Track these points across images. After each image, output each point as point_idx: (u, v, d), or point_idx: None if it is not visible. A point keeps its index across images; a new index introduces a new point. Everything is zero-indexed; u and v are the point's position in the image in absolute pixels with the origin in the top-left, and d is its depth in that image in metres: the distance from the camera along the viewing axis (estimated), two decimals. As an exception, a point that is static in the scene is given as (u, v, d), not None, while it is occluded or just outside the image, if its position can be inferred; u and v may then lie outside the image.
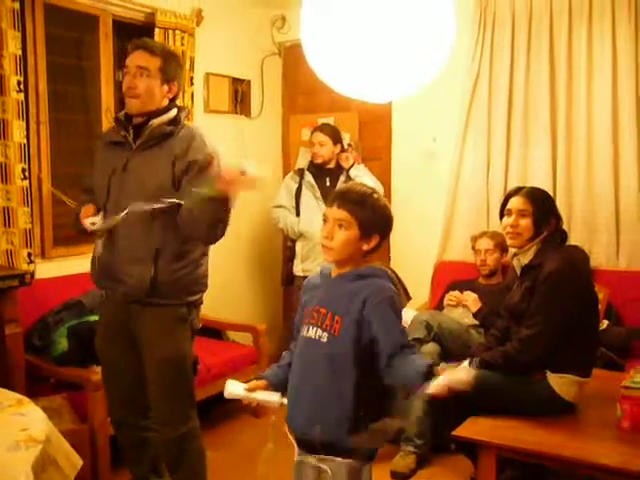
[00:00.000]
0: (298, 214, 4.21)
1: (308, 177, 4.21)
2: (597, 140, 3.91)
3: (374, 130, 4.71)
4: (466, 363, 2.84)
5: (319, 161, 4.19)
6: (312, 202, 4.14)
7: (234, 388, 2.01)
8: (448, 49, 2.41)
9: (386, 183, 4.53)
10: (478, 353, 2.87)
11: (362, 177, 4.12)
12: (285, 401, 1.98)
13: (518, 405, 2.63)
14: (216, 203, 2.30)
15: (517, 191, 2.83)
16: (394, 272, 2.02)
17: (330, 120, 4.59)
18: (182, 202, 2.41)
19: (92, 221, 2.50)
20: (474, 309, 3.49)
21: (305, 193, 4.18)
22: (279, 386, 2.03)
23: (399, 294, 1.96)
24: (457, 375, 1.85)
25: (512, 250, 2.90)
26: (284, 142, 5.14)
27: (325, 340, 1.92)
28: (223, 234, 2.47)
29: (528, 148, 4.10)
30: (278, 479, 2.11)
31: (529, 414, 2.60)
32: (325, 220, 1.97)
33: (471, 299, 3.54)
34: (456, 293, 3.68)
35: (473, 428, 2.52)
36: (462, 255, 4.23)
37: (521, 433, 2.49)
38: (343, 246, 1.93)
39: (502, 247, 3.73)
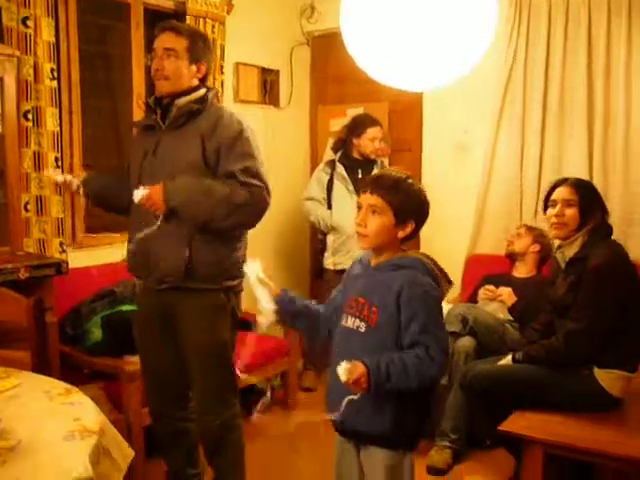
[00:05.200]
0: (329, 207, 4.13)
1: (340, 169, 4.11)
2: (635, 131, 3.82)
3: (404, 121, 4.64)
4: (509, 357, 2.79)
5: (382, 157, 4.15)
6: (344, 194, 4.04)
7: (252, 269, 2.00)
8: (489, 39, 2.35)
9: (416, 175, 4.45)
10: (520, 347, 2.82)
11: None
12: (272, 318, 1.96)
13: (563, 400, 2.59)
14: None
15: (563, 181, 2.78)
16: (432, 259, 1.95)
17: (360, 110, 4.51)
18: None
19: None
20: (509, 303, 3.44)
21: (337, 185, 4.08)
22: (286, 307, 2.00)
23: (438, 283, 1.91)
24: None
25: (556, 242, 2.84)
26: (312, 132, 5.09)
27: (363, 330, 1.89)
28: (225, 219, 2.40)
29: (563, 139, 4.00)
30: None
31: (574, 409, 2.55)
32: (359, 207, 1.93)
33: (506, 293, 3.49)
34: (491, 287, 3.61)
35: (520, 423, 2.47)
36: (494, 248, 4.15)
37: (568, 429, 2.45)
38: (377, 233, 1.89)
39: (537, 240, 3.66)
